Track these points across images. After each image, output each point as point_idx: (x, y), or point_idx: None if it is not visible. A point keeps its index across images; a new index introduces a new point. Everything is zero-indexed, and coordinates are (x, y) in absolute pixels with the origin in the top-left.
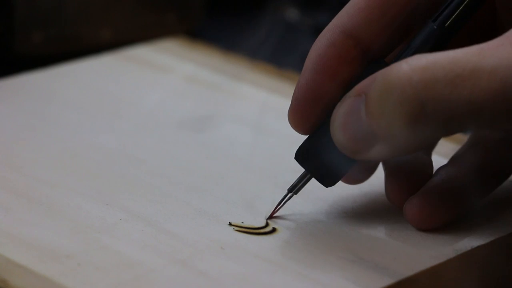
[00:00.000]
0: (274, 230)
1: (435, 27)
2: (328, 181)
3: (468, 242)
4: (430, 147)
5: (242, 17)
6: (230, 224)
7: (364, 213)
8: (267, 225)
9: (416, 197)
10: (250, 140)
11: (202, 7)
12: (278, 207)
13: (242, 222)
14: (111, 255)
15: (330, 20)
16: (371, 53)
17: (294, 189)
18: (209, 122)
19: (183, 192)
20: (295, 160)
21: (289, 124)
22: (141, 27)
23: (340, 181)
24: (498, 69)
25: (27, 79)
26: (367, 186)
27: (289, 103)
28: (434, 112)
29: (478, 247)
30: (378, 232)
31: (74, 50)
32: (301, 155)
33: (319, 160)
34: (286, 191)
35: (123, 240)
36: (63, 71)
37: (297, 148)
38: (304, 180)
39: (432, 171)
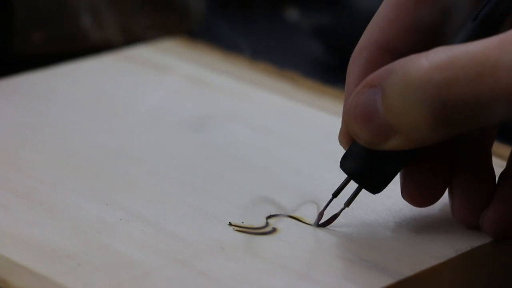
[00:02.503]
0: (274, 230)
1: (475, 25)
2: (374, 188)
3: (468, 242)
4: (489, 143)
5: (242, 17)
6: (230, 224)
7: (364, 213)
8: (267, 225)
9: (492, 211)
10: (250, 140)
11: (202, 7)
12: (331, 217)
13: (242, 222)
14: (111, 255)
15: (329, 20)
16: None
17: (338, 194)
18: (209, 122)
19: (183, 192)
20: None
21: (289, 124)
22: (141, 27)
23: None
24: None
25: (27, 79)
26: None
27: (289, 103)
28: (455, 111)
29: (478, 247)
30: (378, 232)
31: (74, 50)
32: (346, 164)
33: (364, 167)
34: (331, 196)
35: (123, 240)
36: (63, 71)
37: (341, 156)
38: (355, 191)
39: (495, 180)
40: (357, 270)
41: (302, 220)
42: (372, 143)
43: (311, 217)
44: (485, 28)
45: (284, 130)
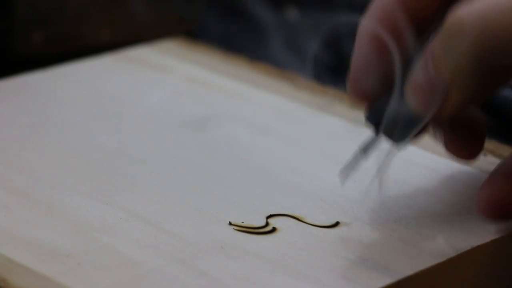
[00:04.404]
0: (274, 229)
1: None
2: (398, 138)
3: (468, 242)
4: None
5: (242, 17)
6: (230, 223)
7: (364, 213)
8: (267, 224)
9: (485, 192)
10: (250, 140)
11: (202, 7)
12: (350, 167)
13: (242, 222)
14: (111, 254)
15: (329, 21)
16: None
17: (366, 149)
18: (209, 122)
19: (183, 192)
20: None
21: (289, 124)
22: (141, 27)
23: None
24: None
25: (27, 79)
26: (367, 186)
27: (289, 103)
28: (496, 40)
29: (478, 246)
30: (378, 232)
31: (74, 50)
32: (372, 116)
33: (390, 119)
34: (357, 149)
35: (123, 240)
36: (63, 71)
37: (369, 108)
38: (375, 138)
39: (486, 123)
40: (357, 270)
41: (302, 220)
42: (432, 110)
43: (311, 217)
44: None
45: (284, 130)
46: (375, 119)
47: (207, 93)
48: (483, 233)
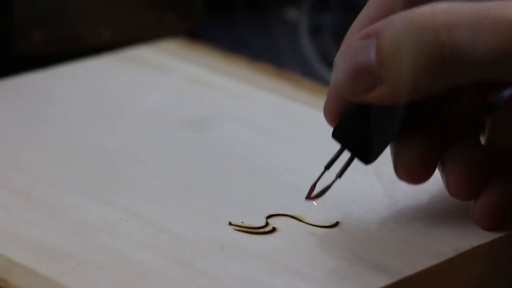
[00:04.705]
0: (274, 229)
1: None
2: (367, 158)
3: (468, 242)
4: (476, 131)
5: (242, 17)
6: (230, 223)
7: (364, 213)
8: (267, 224)
9: (482, 200)
10: (250, 140)
11: (202, 7)
12: (322, 189)
13: (242, 222)
14: (111, 254)
15: (329, 20)
16: None
17: (330, 166)
18: (209, 122)
19: (183, 192)
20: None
21: (289, 125)
22: (141, 27)
23: (338, 180)
24: None
25: (27, 79)
26: (367, 186)
27: (289, 103)
28: (452, 56)
29: (478, 246)
30: (378, 232)
31: (74, 50)
32: (339, 133)
33: (358, 137)
34: (323, 168)
35: (123, 240)
36: (63, 71)
37: (335, 126)
38: (347, 161)
39: (485, 155)
40: (357, 270)
41: (302, 220)
42: (356, 92)
43: (311, 217)
44: None
45: (284, 130)
46: (340, 135)
47: (207, 93)
48: (483, 233)
